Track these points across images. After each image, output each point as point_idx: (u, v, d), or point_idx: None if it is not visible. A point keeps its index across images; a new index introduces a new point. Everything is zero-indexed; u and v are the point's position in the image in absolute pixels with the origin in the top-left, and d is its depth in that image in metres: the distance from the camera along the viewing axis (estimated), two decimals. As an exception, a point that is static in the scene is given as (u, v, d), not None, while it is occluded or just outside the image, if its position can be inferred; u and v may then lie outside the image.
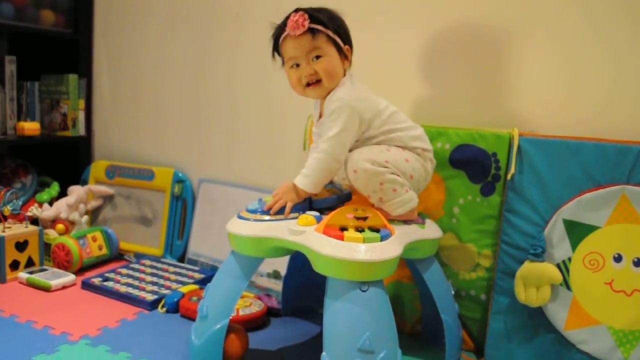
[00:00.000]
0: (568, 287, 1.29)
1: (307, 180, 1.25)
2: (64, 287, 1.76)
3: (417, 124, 1.35)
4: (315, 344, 1.38)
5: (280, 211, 1.24)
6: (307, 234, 1.15)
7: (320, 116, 1.34)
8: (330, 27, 1.26)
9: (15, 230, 1.83)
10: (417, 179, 1.29)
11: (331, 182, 1.39)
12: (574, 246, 1.29)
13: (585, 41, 1.38)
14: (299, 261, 1.35)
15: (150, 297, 1.65)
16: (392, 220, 1.24)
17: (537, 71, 1.44)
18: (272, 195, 1.28)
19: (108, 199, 2.19)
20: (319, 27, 1.24)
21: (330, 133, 1.24)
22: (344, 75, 1.30)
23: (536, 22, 1.43)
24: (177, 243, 2.04)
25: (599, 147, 1.27)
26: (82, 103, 2.25)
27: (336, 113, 1.24)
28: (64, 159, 2.32)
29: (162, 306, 1.62)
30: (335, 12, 1.29)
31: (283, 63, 1.32)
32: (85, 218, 2.09)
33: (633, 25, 1.33)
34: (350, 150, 1.28)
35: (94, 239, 1.96)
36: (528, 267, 1.29)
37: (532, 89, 1.45)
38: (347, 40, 1.30)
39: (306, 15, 1.23)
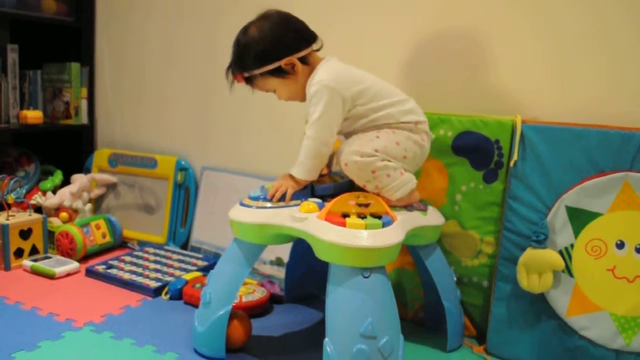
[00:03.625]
0: (570, 274, 1.29)
1: (300, 169, 1.26)
2: (68, 275, 1.77)
3: (409, 97, 1.33)
4: (317, 330, 1.39)
5: (282, 198, 1.25)
6: (309, 221, 1.16)
7: None
8: (253, 66, 1.28)
9: (19, 218, 1.84)
10: (411, 158, 1.29)
11: (331, 170, 1.39)
12: (576, 233, 1.29)
13: (588, 28, 1.37)
14: (302, 248, 1.35)
15: (153, 284, 1.65)
16: (394, 207, 1.24)
17: (539, 58, 1.43)
18: (272, 184, 1.29)
19: (111, 187, 2.19)
20: (245, 74, 1.30)
21: (313, 117, 1.24)
22: (313, 63, 1.30)
23: (538, 9, 1.42)
24: (180, 231, 2.04)
25: (602, 134, 1.26)
26: (84, 91, 2.25)
27: (316, 97, 1.24)
28: (67, 148, 2.32)
29: (166, 293, 1.63)
30: (253, 36, 1.27)
31: None
32: (89, 206, 2.09)
33: (633, 12, 1.32)
34: (341, 132, 1.30)
35: (98, 227, 1.97)
36: (530, 254, 1.29)
37: (534, 76, 1.44)
38: (281, 51, 1.27)
39: (236, 75, 1.32)
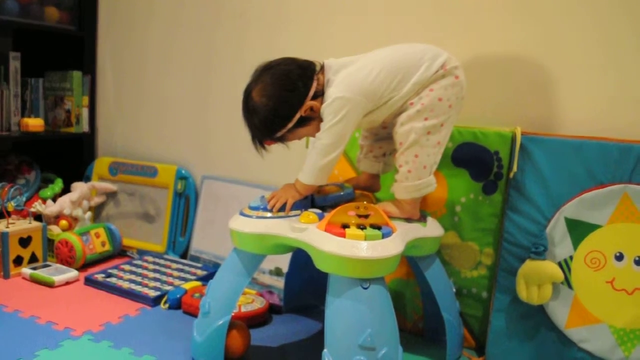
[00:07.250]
0: (569, 286, 1.29)
1: (306, 175, 1.26)
2: (67, 283, 1.77)
3: (422, 51, 1.26)
4: (316, 341, 1.39)
5: (282, 209, 1.25)
6: (309, 232, 1.16)
7: None
8: (277, 129, 1.26)
9: (19, 226, 1.84)
10: (456, 104, 1.26)
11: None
12: (575, 245, 1.29)
13: (589, 42, 1.38)
14: (301, 258, 1.35)
15: (152, 294, 1.65)
16: (393, 218, 1.24)
17: (540, 71, 1.44)
18: (270, 194, 1.29)
19: (111, 195, 2.19)
20: (273, 136, 1.28)
21: (325, 127, 1.23)
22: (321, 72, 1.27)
23: (540, 20, 1.43)
24: (179, 240, 2.04)
25: (601, 146, 1.27)
26: (85, 100, 2.26)
27: (327, 110, 1.23)
28: (67, 156, 2.32)
29: (165, 302, 1.62)
30: (262, 103, 1.24)
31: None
32: (89, 214, 2.10)
33: (633, 27, 1.34)
34: (385, 124, 1.33)
35: (97, 235, 1.97)
36: (530, 266, 1.30)
37: (535, 88, 1.45)
38: (296, 104, 1.24)
39: (264, 142, 1.31)
